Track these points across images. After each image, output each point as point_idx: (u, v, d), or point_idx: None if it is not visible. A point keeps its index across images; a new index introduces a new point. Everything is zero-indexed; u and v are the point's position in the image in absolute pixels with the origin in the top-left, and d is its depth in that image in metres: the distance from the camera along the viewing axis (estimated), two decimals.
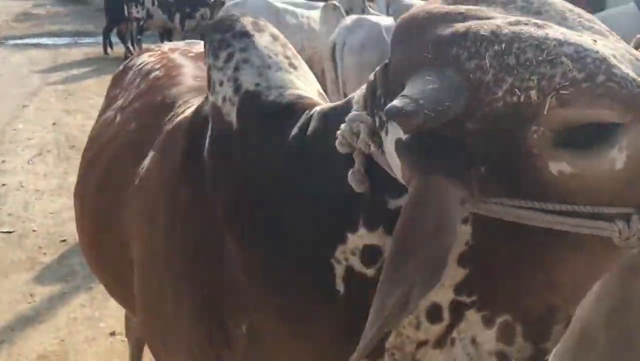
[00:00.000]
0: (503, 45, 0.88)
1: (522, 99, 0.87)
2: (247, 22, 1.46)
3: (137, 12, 12.01)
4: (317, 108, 1.26)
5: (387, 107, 0.89)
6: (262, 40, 1.43)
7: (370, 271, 1.12)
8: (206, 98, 1.48)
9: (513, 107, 0.88)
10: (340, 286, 1.16)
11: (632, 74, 0.87)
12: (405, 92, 0.90)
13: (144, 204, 1.59)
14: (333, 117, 1.18)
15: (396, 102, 0.89)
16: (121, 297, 1.94)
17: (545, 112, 0.87)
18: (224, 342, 1.37)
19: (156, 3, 11.93)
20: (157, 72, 2.02)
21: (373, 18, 6.13)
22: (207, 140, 1.41)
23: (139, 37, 12.29)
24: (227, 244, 1.32)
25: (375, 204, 1.07)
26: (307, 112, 1.26)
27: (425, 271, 0.89)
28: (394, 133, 0.99)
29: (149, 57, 2.21)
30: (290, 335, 1.26)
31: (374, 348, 1.11)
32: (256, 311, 1.30)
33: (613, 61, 0.88)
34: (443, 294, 1.07)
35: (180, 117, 1.62)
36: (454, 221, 0.91)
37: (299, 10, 7.49)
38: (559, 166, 0.90)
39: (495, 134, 0.90)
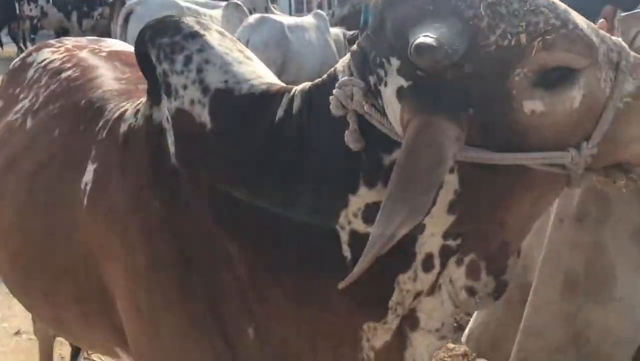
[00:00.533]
0: None
1: (512, 42, 1.02)
2: (191, 22, 1.46)
3: (30, 9, 11.58)
4: (297, 88, 1.30)
5: (414, 43, 0.99)
6: (213, 38, 1.43)
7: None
8: (149, 105, 1.47)
9: (504, 50, 1.02)
10: (347, 252, 1.21)
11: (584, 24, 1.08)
12: (422, 34, 1.01)
13: (109, 225, 1.50)
14: (317, 92, 1.25)
15: (421, 39, 0.99)
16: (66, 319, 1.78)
17: (532, 54, 1.02)
18: (229, 353, 1.36)
19: (51, 1, 11.53)
20: (70, 72, 1.90)
21: (276, 17, 6.25)
22: (172, 147, 1.39)
23: (32, 36, 11.83)
24: (221, 247, 1.32)
25: (372, 161, 1.15)
26: (286, 94, 1.30)
27: (424, 199, 1.01)
28: (394, 83, 1.08)
29: (52, 53, 2.07)
30: (305, 320, 1.29)
31: (379, 310, 1.25)
32: (263, 309, 1.31)
33: (572, 12, 1.07)
34: (434, 242, 1.18)
35: (122, 127, 1.54)
36: (450, 155, 1.02)
37: (201, 9, 7.51)
38: (532, 105, 1.04)
39: (485, 77, 1.04)
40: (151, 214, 1.41)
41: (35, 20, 11.72)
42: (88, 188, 1.56)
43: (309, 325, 1.30)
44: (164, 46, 1.42)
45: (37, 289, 1.75)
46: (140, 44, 1.47)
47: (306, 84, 1.30)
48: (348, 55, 1.22)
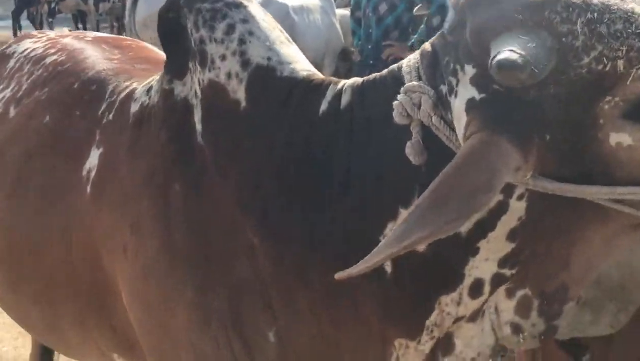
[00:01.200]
0: (595, 14, 0.92)
1: (607, 67, 0.91)
2: None
3: None
4: (345, 82, 1.23)
5: (497, 59, 0.90)
6: (256, 11, 1.34)
7: (421, 248, 1.10)
8: (168, 79, 1.36)
9: (597, 74, 0.92)
10: (388, 266, 1.14)
11: None
12: (507, 47, 0.91)
13: (118, 212, 1.40)
14: (373, 90, 1.17)
15: (506, 55, 0.90)
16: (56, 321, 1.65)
17: (627, 83, 0.91)
18: (246, 355, 1.27)
19: None
20: (55, 57, 1.79)
21: None
22: (199, 124, 1.30)
23: (50, 19, 11.91)
24: (244, 239, 1.24)
25: (432, 176, 1.04)
26: (331, 86, 1.23)
27: (454, 223, 0.93)
28: (465, 94, 1.00)
29: (33, 43, 1.96)
30: (332, 326, 1.22)
31: (414, 327, 1.17)
32: (286, 310, 1.23)
33: None
34: (487, 268, 1.10)
35: (133, 106, 1.45)
36: (499, 186, 0.93)
37: None
38: (619, 137, 0.94)
39: (571, 101, 0.94)
40: (169, 198, 1.31)
41: (53, 4, 11.80)
42: (92, 174, 1.46)
43: (335, 331, 1.23)
44: (203, 11, 1.32)
45: (29, 292, 1.63)
46: (170, 8, 1.37)
47: (357, 80, 1.22)
48: (416, 55, 1.13)
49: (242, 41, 1.29)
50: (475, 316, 1.17)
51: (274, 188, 1.21)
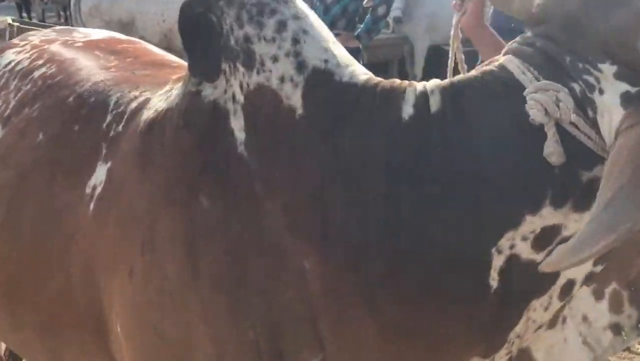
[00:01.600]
0: None
1: None
2: None
3: None
4: (427, 84, 1.15)
5: None
6: (306, 8, 1.22)
7: (539, 257, 1.04)
8: (196, 82, 1.23)
9: None
10: (493, 281, 1.06)
11: None
12: None
13: (125, 229, 1.26)
14: (473, 91, 1.09)
15: None
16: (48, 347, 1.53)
17: None
18: None
19: None
20: (43, 70, 1.65)
21: None
22: (241, 133, 1.16)
23: None
24: (292, 262, 1.11)
25: (567, 178, 1.00)
26: (408, 90, 1.14)
27: None
28: (615, 89, 0.98)
29: (17, 54, 1.80)
30: (394, 355, 1.11)
31: (498, 340, 1.09)
32: (338, 338, 1.11)
33: None
34: (584, 267, 1.05)
35: (146, 114, 1.31)
36: None
37: None
38: None
39: None
40: (194, 215, 1.17)
41: None
42: (97, 191, 1.34)
43: (409, 357, 1.13)
44: (248, 5, 1.18)
45: (30, 324, 1.50)
46: (196, 1, 1.22)
47: (438, 82, 1.15)
48: (511, 57, 1.09)
49: (296, 41, 1.16)
50: (554, 322, 1.12)
51: (339, 204, 1.09)
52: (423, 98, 1.12)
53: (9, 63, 1.78)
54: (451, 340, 1.10)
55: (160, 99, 1.33)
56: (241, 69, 1.18)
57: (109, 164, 1.35)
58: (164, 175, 1.22)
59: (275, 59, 1.16)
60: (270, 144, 1.15)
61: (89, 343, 1.39)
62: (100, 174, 1.35)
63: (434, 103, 1.11)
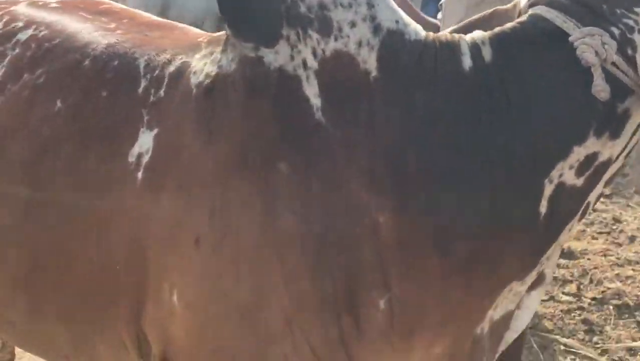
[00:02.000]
0: None
1: None
2: None
3: None
4: (472, 36, 1.22)
5: None
6: None
7: (580, 181, 1.18)
8: (252, 48, 1.22)
9: None
10: (543, 208, 1.17)
11: None
12: None
13: (189, 198, 1.24)
14: (519, 41, 1.18)
15: None
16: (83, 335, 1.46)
17: None
18: (354, 330, 1.21)
19: None
20: (31, 32, 1.52)
21: None
22: (316, 99, 1.19)
23: None
24: (369, 218, 1.16)
25: (607, 111, 1.14)
26: (462, 42, 1.21)
27: None
28: None
29: None
30: (455, 290, 1.20)
31: (532, 263, 1.22)
32: (406, 280, 1.19)
33: None
34: (596, 190, 1.22)
35: (193, 79, 1.29)
36: None
37: None
38: None
39: None
40: (272, 180, 1.18)
41: None
42: (145, 159, 1.29)
43: (454, 295, 1.20)
44: None
45: (54, 313, 1.44)
46: None
47: (481, 33, 1.22)
48: (547, 8, 1.18)
49: (370, 5, 1.20)
50: None
51: (413, 158, 1.15)
52: (475, 49, 1.20)
53: None
54: (508, 267, 1.21)
55: (204, 63, 1.30)
56: (315, 36, 1.19)
57: (155, 131, 1.30)
58: (234, 143, 1.22)
59: (352, 24, 1.19)
60: (347, 108, 1.18)
61: (120, 321, 1.37)
62: (145, 142, 1.30)
63: (487, 53, 1.19)
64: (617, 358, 2.88)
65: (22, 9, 1.61)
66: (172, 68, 1.34)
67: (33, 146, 1.39)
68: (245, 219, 1.19)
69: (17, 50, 1.50)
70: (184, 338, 1.26)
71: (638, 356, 2.88)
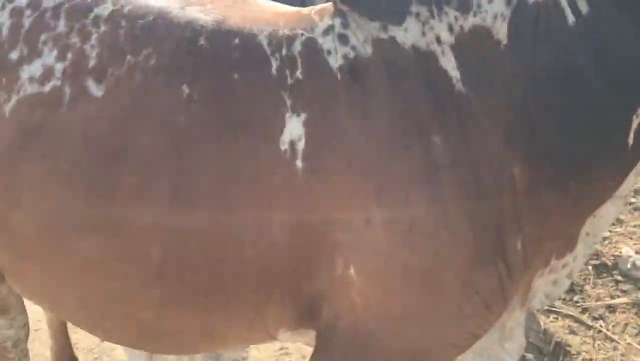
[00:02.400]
0: None
1: None
2: None
3: None
4: None
5: None
6: None
7: None
8: (380, 27, 1.29)
9: None
10: (630, 139, 1.29)
11: None
12: None
13: (353, 181, 1.28)
14: None
15: None
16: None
17: None
18: (506, 273, 1.35)
19: None
20: (111, 7, 1.40)
21: None
22: (455, 71, 1.28)
23: None
24: (508, 171, 1.29)
25: None
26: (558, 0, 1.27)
27: None
28: None
29: None
30: (567, 220, 1.38)
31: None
32: (536, 221, 1.34)
33: None
34: None
35: (332, 60, 1.30)
36: None
37: None
38: None
39: None
40: (430, 154, 1.27)
41: None
42: (299, 146, 1.29)
43: (564, 228, 1.40)
44: None
45: (195, 306, 1.44)
46: None
47: None
48: None
49: None
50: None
51: (535, 111, 1.27)
52: (572, 3, 1.26)
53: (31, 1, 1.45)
54: (601, 196, 1.38)
55: (332, 41, 1.31)
56: (452, 13, 1.28)
57: (303, 117, 1.29)
58: (389, 123, 1.28)
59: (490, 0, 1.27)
60: (483, 76, 1.27)
61: (270, 303, 1.40)
62: (294, 127, 1.30)
63: (583, 7, 1.25)
64: (597, 315, 3.00)
65: None
66: (297, 46, 1.32)
67: (169, 138, 1.32)
68: (411, 193, 1.27)
69: (104, 28, 1.39)
70: (362, 306, 1.34)
71: (617, 313, 3.00)
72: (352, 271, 1.32)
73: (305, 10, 1.41)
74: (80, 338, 2.87)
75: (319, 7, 1.39)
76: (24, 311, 1.86)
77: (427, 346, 1.40)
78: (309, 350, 1.54)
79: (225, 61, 1.33)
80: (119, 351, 2.90)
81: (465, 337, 1.41)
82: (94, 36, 1.38)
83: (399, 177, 1.28)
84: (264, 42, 1.33)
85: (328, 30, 1.33)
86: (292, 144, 1.30)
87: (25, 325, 1.88)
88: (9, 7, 1.45)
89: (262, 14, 1.40)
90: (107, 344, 2.93)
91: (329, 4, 1.36)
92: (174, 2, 1.42)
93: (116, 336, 1.61)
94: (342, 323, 1.37)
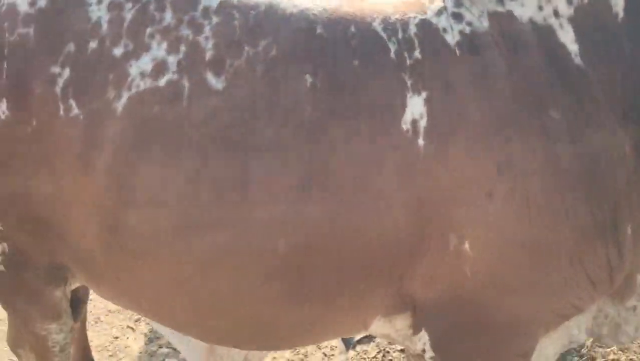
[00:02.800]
0: None
1: None
2: None
3: None
4: None
5: None
6: None
7: None
8: (493, 2, 1.33)
9: None
10: None
11: None
12: None
13: (475, 157, 1.30)
14: None
15: None
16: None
17: None
18: (616, 256, 1.37)
19: None
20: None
21: None
22: (573, 45, 1.30)
23: None
24: (620, 148, 1.31)
25: None
26: None
27: None
28: None
29: None
30: None
31: None
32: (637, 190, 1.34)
33: None
34: None
35: (448, 37, 1.32)
36: None
37: None
38: None
39: None
40: (548, 127, 1.29)
41: None
42: (421, 124, 1.31)
43: None
44: None
45: (319, 292, 1.42)
46: None
47: None
48: None
49: None
50: None
51: (636, 86, 1.30)
52: None
53: None
54: None
55: (446, 20, 1.33)
56: None
57: (424, 95, 1.32)
58: (508, 97, 1.29)
59: None
60: (601, 50, 1.30)
61: (378, 285, 1.40)
62: (416, 107, 1.32)
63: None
64: None
65: None
66: (412, 28, 1.34)
67: (295, 128, 1.32)
68: (530, 167, 1.30)
69: (216, 19, 1.38)
70: (472, 279, 1.36)
71: None
72: (466, 246, 1.35)
73: None
74: (94, 336, 2.77)
75: None
76: (71, 316, 1.84)
77: (530, 314, 1.43)
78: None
79: (345, 48, 1.34)
80: (133, 348, 2.81)
81: (567, 307, 1.43)
82: (207, 28, 1.37)
83: (517, 152, 1.30)
84: (379, 28, 1.35)
85: (440, 11, 1.35)
86: (414, 123, 1.32)
87: (72, 330, 1.81)
88: (106, 0, 1.40)
89: (363, 3, 1.41)
90: (121, 341, 2.84)
91: None
92: None
93: (223, 335, 1.58)
94: (447, 298, 1.40)
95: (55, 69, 1.37)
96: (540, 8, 1.32)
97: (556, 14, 1.31)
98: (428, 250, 1.36)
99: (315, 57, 1.34)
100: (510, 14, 1.32)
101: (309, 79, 1.33)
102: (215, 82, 1.34)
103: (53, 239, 1.50)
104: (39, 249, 1.53)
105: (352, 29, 1.35)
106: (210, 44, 1.36)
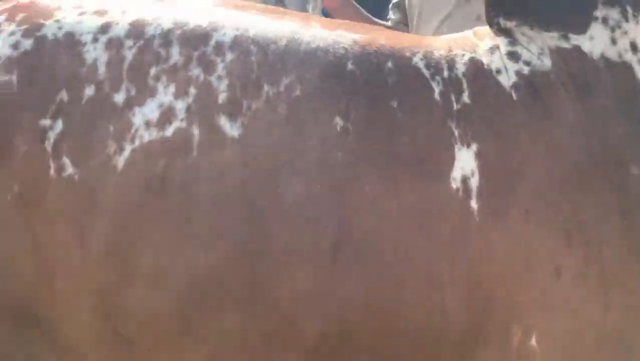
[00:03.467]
0: None
1: None
2: None
3: None
4: None
5: None
6: None
7: None
8: (560, 36, 1.16)
9: None
10: None
11: None
12: None
13: (538, 223, 1.09)
14: None
15: None
16: None
17: None
18: None
19: None
20: (236, 32, 1.20)
21: None
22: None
23: None
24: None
25: None
26: None
27: None
28: None
29: (115, 23, 1.21)
30: None
31: None
32: None
33: None
34: None
35: (503, 79, 1.14)
36: None
37: None
38: None
39: None
40: (626, 185, 1.09)
41: None
42: (472, 182, 1.10)
43: None
44: None
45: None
46: None
47: None
48: None
49: None
50: None
51: None
52: None
53: (122, 32, 1.18)
54: None
55: (496, 59, 1.16)
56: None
57: (474, 147, 1.12)
58: (580, 150, 1.10)
59: None
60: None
61: None
62: (465, 160, 1.11)
63: None
64: None
65: (183, 8, 1.26)
66: (461, 68, 1.17)
67: (326, 180, 1.11)
68: (605, 235, 1.09)
69: (230, 56, 1.18)
70: None
71: None
72: (533, 341, 1.11)
73: (453, 35, 1.28)
74: None
75: (470, 31, 1.28)
76: None
77: None
78: None
79: (381, 87, 1.16)
80: None
81: None
82: (220, 66, 1.17)
83: (591, 217, 1.09)
84: (421, 65, 1.17)
85: (493, 49, 1.19)
86: (465, 180, 1.11)
87: None
88: (104, 38, 1.19)
89: (402, 36, 1.27)
90: None
91: (484, 27, 1.23)
92: (298, 24, 1.24)
93: None
94: None
95: (45, 122, 1.14)
96: (614, 41, 1.15)
97: (634, 48, 1.15)
98: (487, 342, 1.11)
99: (347, 97, 1.14)
100: (577, 50, 1.14)
101: (339, 122, 1.13)
102: (230, 128, 1.13)
103: (32, 331, 1.19)
104: (14, 345, 1.19)
105: (389, 64, 1.17)
106: (223, 85, 1.16)
